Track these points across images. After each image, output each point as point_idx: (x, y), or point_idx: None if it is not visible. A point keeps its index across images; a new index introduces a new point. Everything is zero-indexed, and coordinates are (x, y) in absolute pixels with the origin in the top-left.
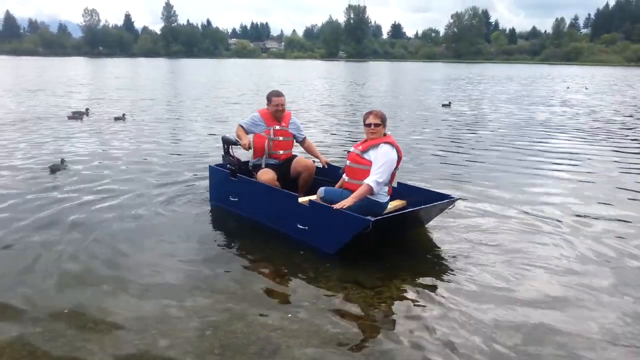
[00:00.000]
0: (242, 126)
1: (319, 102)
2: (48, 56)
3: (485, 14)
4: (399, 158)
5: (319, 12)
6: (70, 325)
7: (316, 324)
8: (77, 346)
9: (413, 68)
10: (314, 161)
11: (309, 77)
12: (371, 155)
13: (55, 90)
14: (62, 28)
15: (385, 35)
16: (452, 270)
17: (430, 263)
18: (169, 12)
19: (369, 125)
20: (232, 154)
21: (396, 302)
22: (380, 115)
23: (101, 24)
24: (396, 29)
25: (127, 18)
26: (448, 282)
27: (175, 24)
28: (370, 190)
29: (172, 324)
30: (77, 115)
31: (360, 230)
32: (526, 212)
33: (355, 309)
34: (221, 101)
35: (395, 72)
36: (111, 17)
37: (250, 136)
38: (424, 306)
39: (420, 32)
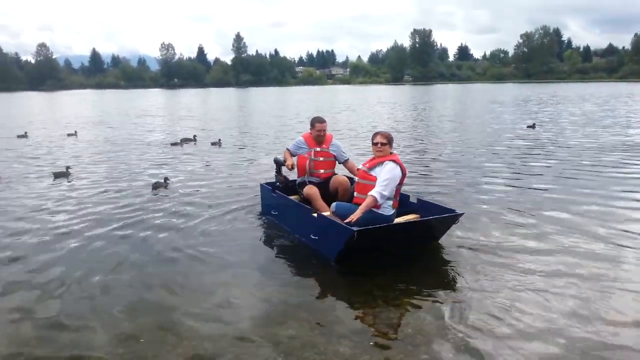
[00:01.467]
0: (288, 149)
1: (380, 127)
2: (128, 88)
3: (557, 32)
4: (403, 175)
5: (384, 38)
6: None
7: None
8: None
9: (482, 89)
10: (352, 179)
11: (371, 102)
12: (377, 171)
13: (152, 119)
14: (142, 62)
15: (451, 58)
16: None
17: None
18: (239, 44)
19: (376, 144)
20: (282, 173)
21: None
22: (387, 136)
23: (176, 57)
24: (463, 51)
25: (200, 50)
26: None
27: (245, 54)
28: (375, 201)
29: (246, 348)
30: (184, 141)
31: (348, 239)
32: (611, 241)
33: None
34: (287, 127)
35: (465, 93)
36: (185, 50)
37: (296, 157)
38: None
39: (488, 53)
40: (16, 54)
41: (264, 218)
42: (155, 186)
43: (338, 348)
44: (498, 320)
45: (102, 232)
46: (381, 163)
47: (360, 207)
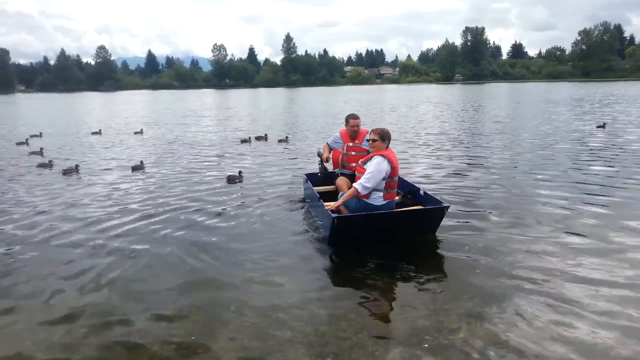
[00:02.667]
0: (328, 143)
1: (425, 129)
2: (181, 89)
3: (619, 28)
4: (393, 168)
5: (435, 37)
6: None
7: None
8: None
9: (537, 88)
10: None
11: (420, 101)
12: (368, 165)
13: (213, 117)
14: (194, 63)
15: (505, 56)
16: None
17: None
18: (288, 44)
19: (369, 140)
20: (323, 165)
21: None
22: (379, 132)
23: (228, 57)
24: (517, 49)
25: (251, 51)
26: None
27: (294, 54)
28: (355, 192)
29: (295, 348)
30: (257, 139)
31: (331, 225)
32: None
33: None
34: (336, 125)
35: (519, 92)
36: (237, 51)
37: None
38: None
39: (543, 51)
40: (77, 56)
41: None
42: (230, 179)
43: (387, 351)
44: None
45: (178, 219)
46: (371, 157)
47: (343, 197)
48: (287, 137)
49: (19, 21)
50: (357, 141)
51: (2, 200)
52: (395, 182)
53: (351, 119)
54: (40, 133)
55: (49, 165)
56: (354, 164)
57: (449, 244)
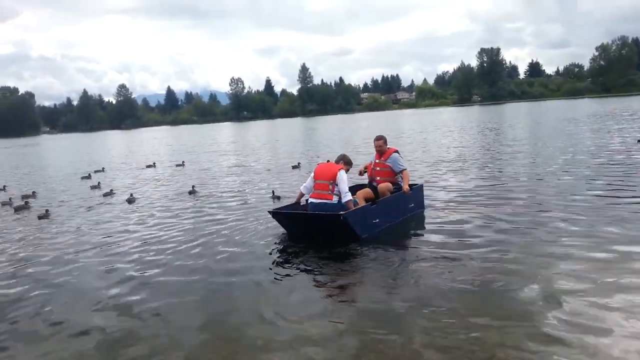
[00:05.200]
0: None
1: (434, 156)
2: (201, 123)
3: (637, 42)
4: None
5: (450, 60)
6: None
7: None
8: None
9: (556, 106)
10: (395, 187)
11: (435, 125)
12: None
13: (242, 147)
14: (213, 97)
15: (522, 75)
16: None
17: None
18: (304, 74)
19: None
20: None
21: None
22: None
23: (245, 90)
24: (534, 68)
25: (268, 83)
26: None
27: (311, 84)
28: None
29: None
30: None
31: None
32: None
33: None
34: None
35: (539, 111)
36: (253, 84)
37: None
38: None
39: (561, 69)
40: (99, 95)
41: None
42: (274, 196)
43: None
44: None
45: (227, 235)
46: None
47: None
48: (298, 163)
49: (43, 65)
50: (382, 158)
51: (85, 232)
52: (319, 185)
53: (375, 140)
54: (103, 168)
55: (110, 193)
56: (378, 178)
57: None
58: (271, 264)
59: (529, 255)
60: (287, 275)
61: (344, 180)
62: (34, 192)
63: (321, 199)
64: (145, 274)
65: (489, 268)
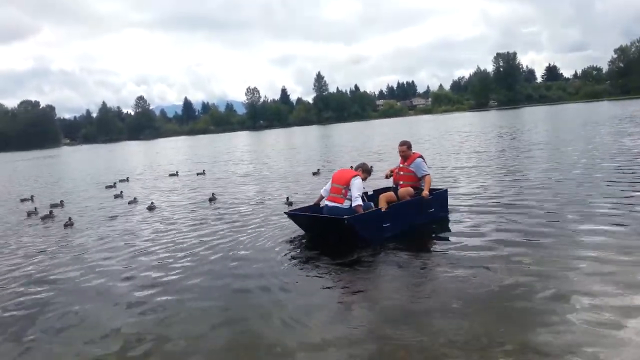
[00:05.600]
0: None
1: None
2: (218, 133)
3: None
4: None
5: (466, 65)
6: None
7: None
8: None
9: (576, 109)
10: (417, 191)
11: (451, 131)
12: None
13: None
14: (229, 107)
15: (539, 79)
16: None
17: None
18: (320, 83)
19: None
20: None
21: None
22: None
23: (261, 99)
24: (551, 71)
25: (283, 92)
26: None
27: (326, 92)
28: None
29: None
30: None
31: None
32: None
33: None
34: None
35: (557, 115)
36: (269, 93)
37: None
38: None
39: (579, 72)
40: (118, 107)
41: None
42: (287, 202)
43: None
44: None
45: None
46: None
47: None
48: (318, 170)
49: (62, 79)
50: (406, 163)
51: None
52: (334, 189)
53: (399, 145)
54: (127, 177)
55: (134, 201)
56: (401, 182)
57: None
58: (288, 268)
59: (548, 262)
60: (305, 280)
61: (357, 186)
62: (61, 202)
63: (334, 202)
64: (165, 279)
65: (510, 272)
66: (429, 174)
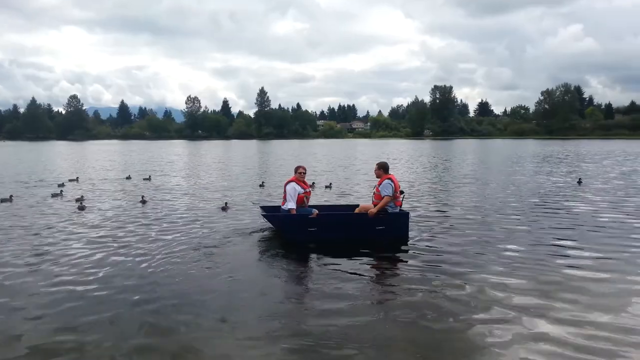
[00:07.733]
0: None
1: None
2: (153, 139)
3: (578, 90)
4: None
5: (405, 94)
6: None
7: None
8: None
9: (504, 145)
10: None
11: (391, 156)
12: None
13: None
14: (167, 114)
15: (472, 113)
16: None
17: None
18: (262, 98)
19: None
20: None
21: None
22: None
23: (201, 109)
24: (483, 107)
25: (225, 104)
26: None
27: (268, 108)
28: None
29: None
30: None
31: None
32: None
33: None
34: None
35: (487, 148)
36: (210, 104)
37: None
38: None
39: (508, 109)
40: (48, 105)
41: None
42: (224, 208)
43: None
44: None
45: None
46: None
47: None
48: (330, 184)
49: None
50: (378, 184)
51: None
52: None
53: (376, 169)
54: (77, 177)
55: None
56: (374, 200)
57: None
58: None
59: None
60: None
61: (288, 190)
62: (10, 196)
63: (282, 204)
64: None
65: (429, 297)
66: (387, 195)
